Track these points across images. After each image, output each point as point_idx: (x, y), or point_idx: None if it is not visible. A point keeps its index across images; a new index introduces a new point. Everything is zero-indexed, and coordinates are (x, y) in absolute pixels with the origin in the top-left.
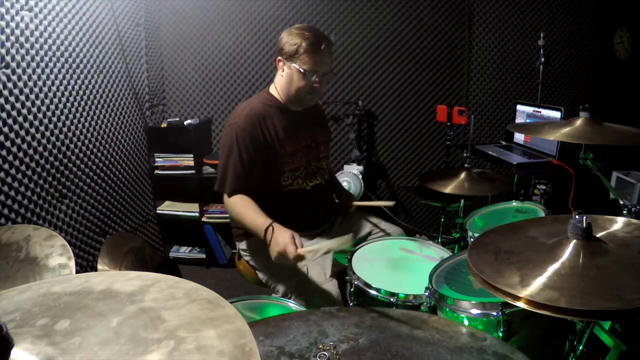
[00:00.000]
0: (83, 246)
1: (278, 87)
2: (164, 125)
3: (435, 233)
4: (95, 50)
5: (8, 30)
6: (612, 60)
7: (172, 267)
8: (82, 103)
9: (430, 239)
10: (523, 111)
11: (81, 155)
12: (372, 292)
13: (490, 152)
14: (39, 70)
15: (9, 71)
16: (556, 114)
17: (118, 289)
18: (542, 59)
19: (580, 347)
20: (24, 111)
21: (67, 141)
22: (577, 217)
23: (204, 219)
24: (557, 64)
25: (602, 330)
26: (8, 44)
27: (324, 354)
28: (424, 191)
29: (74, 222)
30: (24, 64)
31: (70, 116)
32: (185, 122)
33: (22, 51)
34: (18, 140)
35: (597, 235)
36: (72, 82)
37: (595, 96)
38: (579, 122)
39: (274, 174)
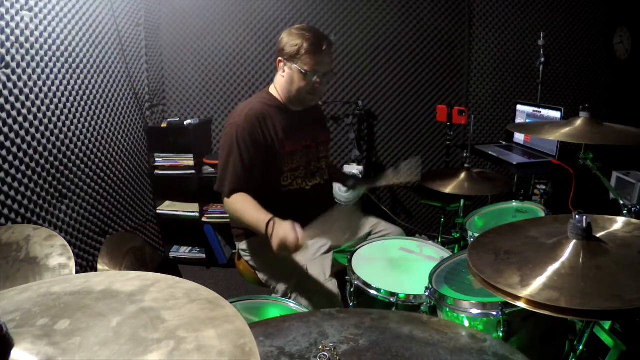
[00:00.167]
0: (83, 246)
1: (278, 87)
2: (164, 125)
3: (435, 233)
4: (95, 50)
5: (8, 30)
6: (612, 60)
7: (172, 267)
8: (82, 103)
9: (430, 239)
10: (523, 111)
11: (81, 155)
12: (372, 292)
13: (490, 152)
14: (39, 70)
15: (9, 71)
16: (556, 114)
17: (118, 289)
18: (542, 59)
19: (580, 347)
20: (24, 111)
21: (67, 141)
22: (577, 217)
23: (204, 219)
24: (557, 64)
25: (602, 330)
26: (8, 44)
27: (324, 355)
28: (424, 191)
29: (74, 222)
30: (24, 64)
31: (70, 116)
32: (185, 122)
33: (22, 51)
34: (18, 140)
35: (597, 235)
36: (72, 82)
37: (595, 96)
38: (579, 122)
39: (274, 174)
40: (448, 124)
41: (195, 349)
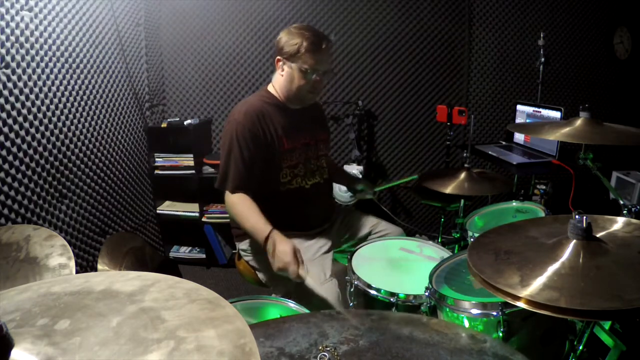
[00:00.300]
0: (83, 246)
1: (277, 86)
2: (164, 125)
3: (435, 233)
4: (95, 50)
5: (8, 30)
6: (612, 60)
7: (172, 267)
8: (82, 103)
9: (430, 239)
10: (523, 111)
11: (81, 155)
12: (372, 292)
13: (490, 152)
14: (39, 70)
15: (9, 71)
16: (556, 114)
17: (118, 289)
18: (542, 59)
19: (580, 347)
20: (24, 111)
21: (67, 141)
22: (577, 217)
23: (204, 219)
24: (557, 64)
25: (602, 330)
26: (8, 44)
27: (324, 355)
28: (424, 191)
29: (74, 222)
30: (24, 64)
31: (70, 116)
32: (185, 122)
33: (22, 51)
34: (18, 140)
35: (597, 235)
36: (72, 82)
37: (595, 96)
38: (579, 122)
39: (273, 171)
40: (448, 124)
41: (195, 349)
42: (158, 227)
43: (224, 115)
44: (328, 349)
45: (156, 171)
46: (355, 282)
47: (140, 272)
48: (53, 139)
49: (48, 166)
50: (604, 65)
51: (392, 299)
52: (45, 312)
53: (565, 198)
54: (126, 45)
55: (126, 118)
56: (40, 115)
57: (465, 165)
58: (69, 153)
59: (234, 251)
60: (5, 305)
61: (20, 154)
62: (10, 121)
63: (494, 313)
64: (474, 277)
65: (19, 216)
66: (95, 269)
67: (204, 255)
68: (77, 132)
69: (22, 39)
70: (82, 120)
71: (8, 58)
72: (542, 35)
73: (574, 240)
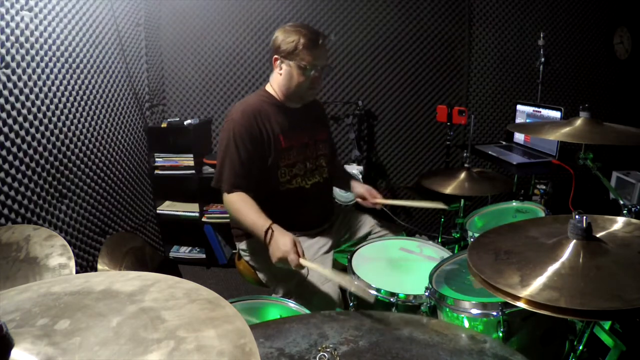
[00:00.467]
0: (83, 246)
1: (275, 86)
2: (164, 125)
3: (435, 233)
4: (95, 50)
5: (8, 30)
6: (612, 60)
7: (172, 267)
8: (82, 103)
9: (430, 239)
10: (523, 111)
11: (81, 155)
12: (372, 292)
13: (490, 152)
14: (39, 70)
15: (9, 71)
16: (556, 114)
17: (118, 289)
18: (542, 59)
19: (580, 347)
20: (24, 111)
21: (67, 141)
22: (577, 217)
23: (204, 219)
24: (557, 64)
25: (602, 330)
26: (8, 44)
27: (323, 356)
28: (424, 191)
29: (74, 222)
30: (24, 64)
31: (70, 116)
32: (185, 122)
33: (22, 51)
34: (18, 140)
35: (597, 235)
36: (72, 82)
37: (595, 96)
38: (579, 122)
39: (271, 170)
40: (448, 124)
41: (195, 349)
42: (158, 227)
43: (224, 115)
44: (328, 349)
45: (156, 171)
46: (356, 282)
47: (140, 272)
48: (53, 139)
49: (48, 166)
50: (604, 65)
51: (392, 299)
52: (45, 312)
53: (565, 198)
54: (126, 45)
55: (126, 118)
56: (40, 115)
57: (465, 165)
58: (69, 153)
59: (234, 251)
60: (5, 305)
61: (20, 154)
62: (10, 121)
63: (494, 313)
64: (474, 277)
65: (19, 216)
66: (95, 269)
67: (204, 255)
68: (77, 132)
69: (22, 39)
70: (82, 120)
71: (8, 58)
72: (542, 35)
73: (574, 240)
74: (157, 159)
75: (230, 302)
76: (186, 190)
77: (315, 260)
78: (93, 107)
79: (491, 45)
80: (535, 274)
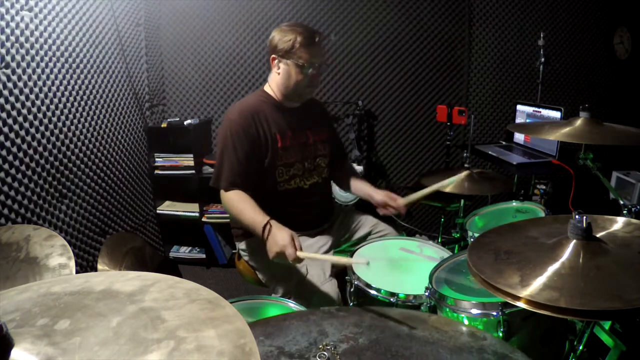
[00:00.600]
0: (83, 246)
1: (273, 85)
2: (164, 125)
3: (435, 233)
4: (95, 50)
5: (8, 30)
6: (612, 60)
7: (172, 267)
8: (82, 103)
9: (430, 239)
10: (523, 111)
11: (81, 155)
12: (372, 292)
13: (490, 152)
14: (39, 70)
15: (9, 71)
16: (556, 114)
17: (118, 289)
18: (542, 59)
19: (580, 347)
20: (24, 111)
21: (67, 141)
22: (577, 217)
23: (204, 219)
24: (557, 64)
25: (602, 330)
26: (8, 44)
27: (323, 354)
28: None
29: (74, 222)
30: (24, 64)
31: (70, 116)
32: (185, 122)
33: (22, 51)
34: (18, 140)
35: (597, 235)
36: (72, 82)
37: (595, 96)
38: (579, 122)
39: (269, 170)
40: (448, 124)
41: (195, 349)
42: (158, 227)
43: (223, 115)
44: (328, 347)
45: (156, 171)
46: (355, 282)
47: (140, 272)
48: (53, 139)
49: (48, 166)
50: (604, 65)
51: (392, 299)
52: (45, 312)
53: (565, 198)
54: (126, 45)
55: (126, 118)
56: (40, 115)
57: (465, 165)
58: (69, 153)
59: (234, 251)
60: (5, 305)
61: (20, 154)
62: (10, 121)
63: (494, 313)
64: (474, 277)
65: (19, 216)
66: (95, 269)
67: (204, 255)
68: (77, 132)
69: (22, 39)
70: (82, 120)
71: (8, 58)
72: (542, 35)
73: (574, 240)
74: (157, 159)
75: (230, 302)
76: (186, 190)
77: (314, 261)
78: (93, 107)
79: (491, 45)
80: (535, 274)
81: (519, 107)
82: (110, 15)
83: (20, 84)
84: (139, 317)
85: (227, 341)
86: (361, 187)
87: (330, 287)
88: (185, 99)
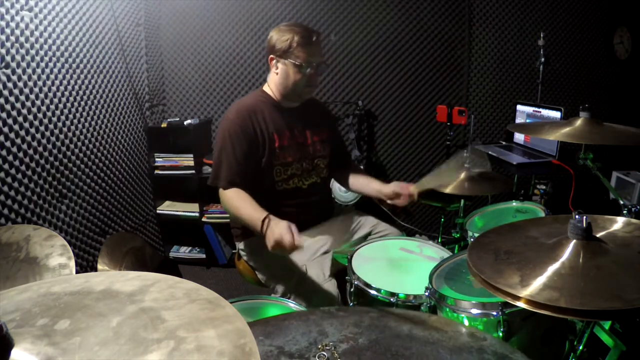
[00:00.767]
0: (83, 246)
1: (272, 85)
2: (164, 125)
3: (435, 233)
4: (95, 50)
5: (8, 30)
6: (612, 60)
7: (172, 267)
8: (82, 103)
9: (430, 239)
10: (523, 111)
11: (81, 155)
12: (372, 292)
13: (490, 152)
14: (39, 70)
15: (9, 71)
16: (556, 114)
17: (118, 289)
18: (542, 59)
19: (580, 347)
20: (24, 111)
21: (67, 141)
22: (577, 217)
23: (204, 219)
24: (557, 64)
25: (602, 330)
26: (8, 44)
27: (323, 354)
28: (423, 191)
29: (74, 222)
30: (24, 64)
31: (70, 116)
32: (185, 122)
33: (22, 51)
34: (18, 140)
35: (597, 235)
36: (72, 82)
37: (595, 96)
38: (579, 122)
39: (267, 169)
40: (448, 124)
41: (195, 349)
42: (158, 227)
43: (223, 115)
44: (328, 347)
45: (156, 171)
46: (355, 282)
47: (140, 272)
48: (53, 139)
49: (48, 166)
50: (604, 65)
51: (392, 299)
52: (45, 312)
53: (565, 198)
54: (126, 45)
55: (126, 118)
56: (40, 115)
57: (466, 165)
58: (69, 153)
59: (233, 251)
60: (5, 305)
61: (20, 154)
62: (10, 121)
63: (494, 313)
64: (474, 277)
65: (19, 216)
66: (95, 269)
67: (204, 255)
68: (77, 132)
69: (22, 39)
70: (82, 120)
71: (8, 58)
72: (542, 35)
73: (574, 240)
74: (157, 159)
75: (230, 302)
76: (186, 190)
77: (314, 260)
78: (93, 107)
79: (491, 45)
80: (535, 274)
81: (519, 107)
82: (110, 15)
83: (20, 84)
84: (139, 317)
85: (227, 341)
86: (368, 184)
87: (330, 287)
88: (185, 99)
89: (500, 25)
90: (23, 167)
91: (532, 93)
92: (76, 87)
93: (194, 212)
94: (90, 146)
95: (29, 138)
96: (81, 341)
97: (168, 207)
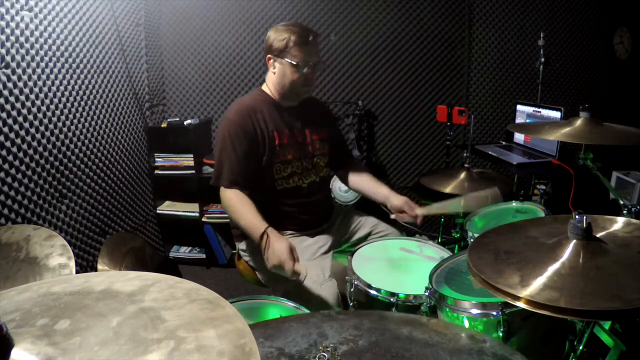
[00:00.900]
0: (83, 246)
1: (270, 85)
2: (164, 125)
3: (435, 233)
4: (95, 50)
5: (8, 30)
6: (612, 60)
7: (172, 267)
8: (82, 103)
9: (430, 239)
10: (523, 111)
11: (81, 155)
12: (372, 292)
13: (490, 152)
14: (39, 70)
15: (9, 71)
16: (556, 114)
17: (118, 289)
18: (542, 59)
19: (580, 347)
20: (24, 111)
21: (67, 141)
22: (577, 217)
23: (204, 219)
24: (557, 64)
25: (602, 330)
26: (8, 44)
27: (323, 355)
28: (424, 191)
29: (74, 222)
30: (24, 64)
31: (70, 116)
32: (185, 122)
33: (22, 51)
34: (18, 140)
35: (597, 235)
36: (72, 82)
37: (595, 96)
38: (579, 122)
39: (267, 167)
40: (448, 124)
41: (195, 349)
42: (158, 227)
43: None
44: (328, 349)
45: (156, 171)
46: (355, 282)
47: (140, 272)
48: (53, 139)
49: (48, 166)
50: (604, 65)
51: (392, 299)
52: (45, 312)
53: (565, 198)
54: (126, 45)
55: (126, 118)
56: (40, 115)
57: (465, 165)
58: (69, 153)
59: (233, 251)
60: (5, 305)
61: (20, 154)
62: (10, 121)
63: (494, 313)
64: (474, 277)
65: (19, 216)
66: (95, 269)
67: (204, 255)
68: (77, 132)
69: (22, 39)
70: (82, 120)
71: (8, 58)
72: (542, 35)
73: (574, 240)
74: (157, 159)
75: (230, 302)
76: (186, 190)
77: (314, 260)
78: (93, 107)
79: (491, 45)
80: (535, 274)
81: (519, 107)
82: (110, 15)
83: (20, 84)
84: (139, 317)
85: (227, 341)
86: (376, 188)
87: (330, 287)
88: (185, 99)
89: (500, 25)
90: (23, 167)
91: (532, 93)
92: (76, 87)
93: (194, 212)
94: (90, 146)
95: (29, 138)
96: (81, 341)
97: (168, 207)
